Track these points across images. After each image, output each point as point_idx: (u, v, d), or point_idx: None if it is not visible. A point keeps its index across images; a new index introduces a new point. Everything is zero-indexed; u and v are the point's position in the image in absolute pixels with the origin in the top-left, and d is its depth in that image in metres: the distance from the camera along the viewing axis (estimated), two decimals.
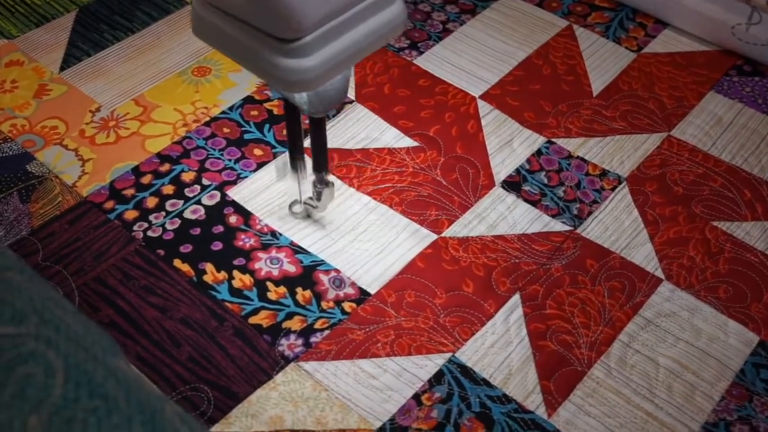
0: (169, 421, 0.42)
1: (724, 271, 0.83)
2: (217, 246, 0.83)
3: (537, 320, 0.78)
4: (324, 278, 0.81)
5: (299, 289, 0.80)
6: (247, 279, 0.81)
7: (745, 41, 1.02)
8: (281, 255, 0.83)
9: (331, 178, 0.82)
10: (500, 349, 0.76)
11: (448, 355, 0.75)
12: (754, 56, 1.03)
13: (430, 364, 0.75)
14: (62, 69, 1.03)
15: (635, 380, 0.74)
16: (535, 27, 1.09)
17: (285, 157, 0.83)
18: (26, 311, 0.45)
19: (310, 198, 0.84)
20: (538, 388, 0.73)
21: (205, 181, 0.89)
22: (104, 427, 0.40)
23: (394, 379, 0.74)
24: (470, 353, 0.76)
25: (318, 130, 0.76)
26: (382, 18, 0.65)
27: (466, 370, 0.74)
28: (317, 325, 0.77)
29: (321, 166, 0.79)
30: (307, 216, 0.86)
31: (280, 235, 0.85)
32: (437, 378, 0.74)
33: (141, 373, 0.73)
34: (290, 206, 0.86)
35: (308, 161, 0.84)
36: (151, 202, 0.87)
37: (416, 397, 0.73)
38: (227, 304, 0.79)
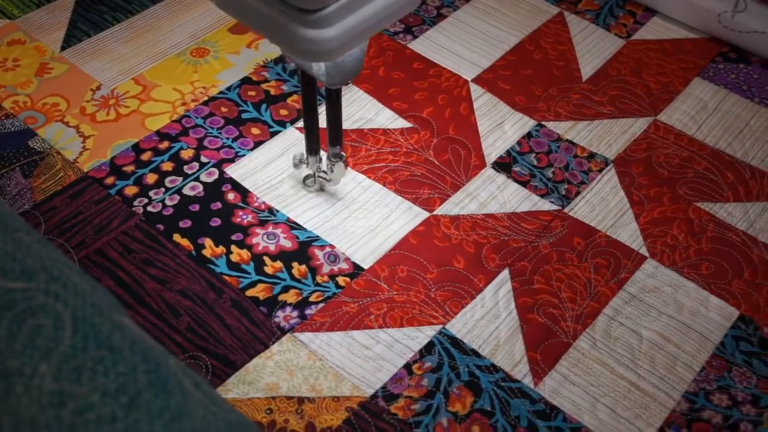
0: (172, 372, 0.44)
1: (707, 249, 0.85)
2: (216, 222, 0.86)
3: (525, 294, 0.81)
4: (319, 253, 0.84)
5: (295, 264, 0.83)
6: (245, 253, 0.83)
7: (730, 29, 1.05)
8: (278, 231, 0.85)
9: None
10: (489, 321, 0.79)
11: (439, 327, 0.78)
12: (740, 43, 1.06)
13: (421, 336, 0.77)
14: (63, 48, 1.05)
15: (619, 351, 0.77)
16: (528, 13, 1.12)
17: (301, 152, 0.86)
18: (36, 268, 0.47)
19: (324, 171, 0.86)
20: (525, 358, 0.76)
21: (203, 159, 0.92)
22: (110, 375, 0.42)
23: (386, 349, 0.76)
24: (460, 326, 0.78)
25: (334, 102, 0.78)
26: None
27: (455, 342, 0.77)
28: (312, 298, 0.80)
29: (336, 140, 0.81)
30: (321, 189, 0.89)
31: (277, 211, 0.87)
32: (428, 349, 0.76)
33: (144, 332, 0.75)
34: (304, 179, 0.89)
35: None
36: (151, 178, 0.90)
37: (407, 366, 0.75)
38: (225, 277, 0.81)
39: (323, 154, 0.86)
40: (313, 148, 0.84)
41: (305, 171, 0.86)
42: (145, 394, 0.42)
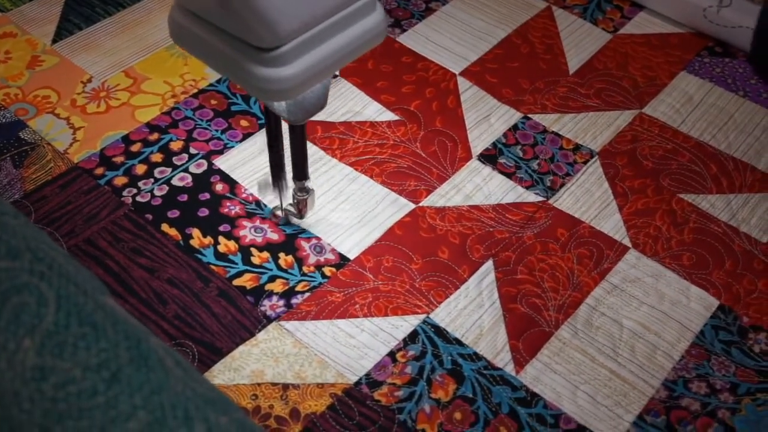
0: (153, 349, 0.45)
1: (689, 240, 0.86)
2: (204, 212, 0.87)
3: (508, 284, 0.82)
4: (305, 245, 0.85)
5: (282, 254, 0.84)
6: (232, 244, 0.84)
7: (716, 23, 1.06)
8: (265, 225, 0.86)
9: (311, 185, 0.81)
10: (472, 311, 0.80)
11: (423, 316, 0.79)
12: (725, 38, 1.07)
13: (405, 325, 0.78)
14: (54, 41, 1.06)
15: (600, 341, 0.78)
16: (515, 7, 1.13)
17: (267, 175, 0.82)
18: (21, 249, 0.48)
19: (290, 205, 0.84)
20: (507, 347, 0.77)
21: (192, 150, 0.93)
22: (92, 351, 0.43)
23: (371, 338, 0.77)
24: (444, 315, 0.79)
25: (298, 138, 0.75)
26: (362, 27, 0.64)
27: (439, 330, 0.78)
28: (298, 288, 0.81)
29: (301, 174, 0.78)
30: (287, 222, 0.86)
31: (265, 205, 0.88)
32: (412, 337, 0.77)
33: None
34: (272, 211, 0.86)
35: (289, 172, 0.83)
36: (140, 169, 0.91)
37: (391, 354, 0.76)
38: (212, 266, 0.82)
39: (290, 185, 0.82)
40: (277, 176, 0.81)
41: (269, 196, 0.83)
42: (126, 370, 0.43)
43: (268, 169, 0.81)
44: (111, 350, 0.43)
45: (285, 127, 0.76)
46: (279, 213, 0.86)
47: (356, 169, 0.92)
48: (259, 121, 0.96)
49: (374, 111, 0.98)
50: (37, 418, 0.41)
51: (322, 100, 0.71)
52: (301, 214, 0.84)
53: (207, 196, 0.88)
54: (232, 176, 0.90)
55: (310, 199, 0.82)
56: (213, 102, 0.98)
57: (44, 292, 0.45)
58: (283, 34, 0.59)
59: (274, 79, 0.61)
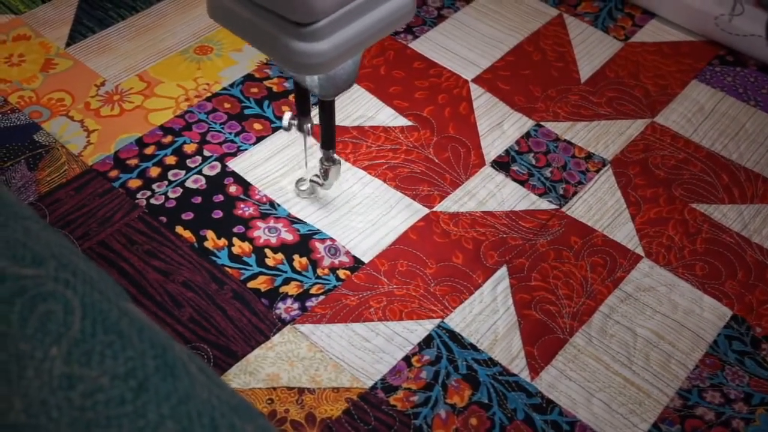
0: (179, 357, 0.46)
1: (701, 250, 0.87)
2: (218, 214, 0.87)
3: (522, 291, 0.82)
4: (320, 246, 0.85)
5: (296, 256, 0.84)
6: (246, 246, 0.84)
7: (727, 32, 1.06)
8: (279, 225, 0.86)
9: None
10: (487, 316, 0.80)
11: (438, 321, 0.79)
12: (737, 47, 1.07)
13: (420, 329, 0.79)
14: (68, 45, 1.06)
15: (614, 348, 0.78)
16: (527, 15, 1.13)
17: (292, 114, 0.84)
18: (45, 255, 0.48)
19: (316, 175, 0.86)
20: (522, 353, 0.77)
21: (206, 153, 0.93)
22: (119, 359, 0.43)
23: (386, 342, 0.77)
24: (458, 320, 0.79)
25: (327, 112, 0.78)
26: (392, 5, 0.67)
27: (454, 335, 0.78)
28: (313, 291, 0.81)
29: (329, 144, 0.82)
30: (312, 193, 0.89)
31: (278, 205, 0.88)
32: (427, 342, 0.78)
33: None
34: (296, 183, 0.89)
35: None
36: (154, 171, 0.91)
37: (406, 359, 0.76)
38: (227, 268, 0.82)
39: (318, 155, 0.85)
40: (301, 110, 0.83)
41: (294, 132, 0.85)
42: (153, 378, 0.43)
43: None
44: (138, 359, 0.44)
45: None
46: (304, 185, 0.88)
47: (370, 173, 0.92)
48: (273, 125, 0.97)
49: (387, 116, 0.98)
50: (64, 426, 0.41)
51: (353, 76, 0.73)
52: (326, 184, 0.86)
53: (221, 198, 0.89)
54: (246, 178, 0.90)
55: (335, 169, 0.84)
56: (226, 105, 0.98)
57: (70, 299, 0.45)
58: (319, 9, 0.62)
59: (310, 53, 0.63)
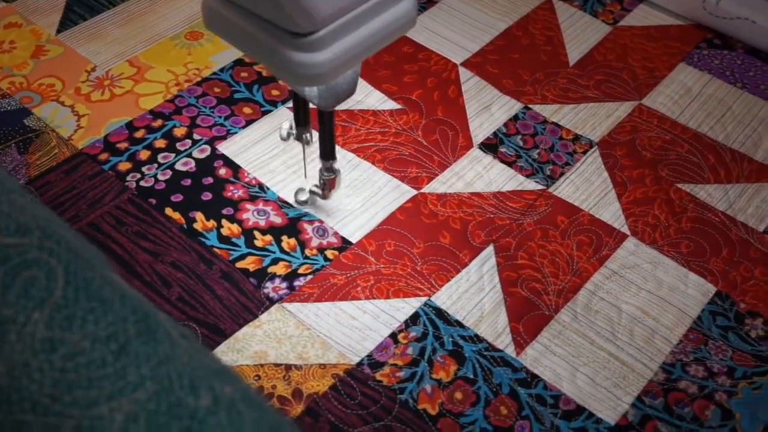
0: (161, 323, 0.46)
1: (687, 228, 0.87)
2: (207, 196, 0.88)
3: (509, 269, 0.83)
4: (308, 227, 0.86)
5: (284, 237, 0.85)
6: (235, 228, 0.85)
7: (715, 15, 1.07)
8: (268, 208, 0.87)
9: (337, 165, 0.82)
10: (473, 294, 0.81)
11: (425, 299, 0.80)
12: (724, 30, 1.08)
13: (406, 307, 0.79)
14: (59, 31, 1.06)
15: (599, 324, 0.79)
16: (517, 0, 1.14)
17: (290, 123, 0.83)
18: (30, 226, 0.49)
19: (316, 185, 0.85)
20: (507, 329, 0.78)
21: (196, 136, 0.94)
22: (101, 324, 0.44)
23: (373, 319, 0.78)
24: (445, 298, 0.80)
25: (327, 123, 0.76)
26: (393, 14, 0.66)
27: (440, 313, 0.79)
28: (301, 270, 0.82)
29: (329, 155, 0.80)
30: (312, 204, 0.87)
31: (268, 188, 0.89)
32: (413, 319, 0.78)
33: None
34: (295, 194, 0.88)
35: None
36: (144, 154, 0.91)
37: (393, 336, 0.77)
38: (216, 249, 0.83)
39: (317, 167, 0.83)
40: (301, 120, 0.82)
41: (293, 142, 0.84)
42: (134, 342, 0.44)
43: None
44: (119, 323, 0.44)
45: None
46: (303, 195, 0.87)
47: (359, 156, 0.93)
48: (262, 108, 0.97)
49: (376, 100, 0.99)
50: (47, 388, 0.42)
51: (353, 86, 0.72)
52: (326, 195, 0.84)
53: (210, 180, 0.89)
54: (235, 161, 0.91)
55: (336, 179, 0.83)
56: (216, 90, 0.99)
57: (53, 267, 0.46)
58: (319, 19, 0.60)
59: (309, 64, 0.62)
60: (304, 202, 0.88)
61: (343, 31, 0.63)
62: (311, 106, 0.81)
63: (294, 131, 0.82)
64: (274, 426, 0.44)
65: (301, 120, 0.80)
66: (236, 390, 0.45)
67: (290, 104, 0.96)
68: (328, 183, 0.83)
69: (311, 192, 0.86)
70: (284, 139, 0.83)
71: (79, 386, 0.42)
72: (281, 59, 0.62)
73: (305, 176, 0.88)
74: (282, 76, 0.66)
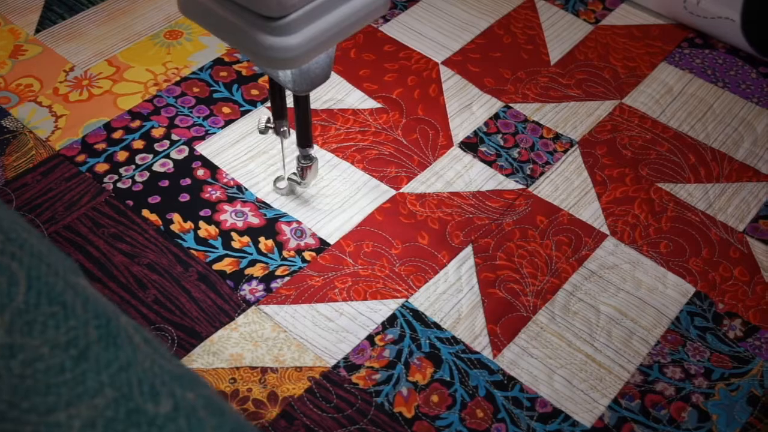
0: (123, 328, 0.46)
1: (666, 228, 0.87)
2: (185, 197, 0.87)
3: (487, 270, 0.82)
4: (286, 229, 0.85)
5: (262, 239, 0.84)
6: (213, 229, 0.85)
7: (696, 15, 1.06)
8: (246, 209, 0.87)
9: (314, 152, 0.83)
10: (451, 295, 0.80)
11: (402, 300, 0.80)
12: (705, 29, 1.08)
13: (384, 309, 0.79)
14: (37, 31, 1.06)
15: (577, 326, 0.79)
16: None
17: (268, 116, 0.83)
18: None
19: (294, 173, 0.86)
20: (485, 331, 0.78)
21: (174, 137, 0.93)
22: (62, 329, 0.43)
23: (350, 321, 0.78)
24: (422, 299, 0.80)
25: (302, 108, 0.77)
26: None
27: (417, 315, 0.79)
28: (278, 272, 0.81)
29: (305, 142, 0.80)
30: (291, 192, 0.88)
31: (246, 190, 0.88)
32: (390, 321, 0.78)
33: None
34: (274, 182, 0.88)
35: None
36: (122, 155, 0.91)
37: (370, 338, 0.77)
38: (192, 251, 0.82)
39: (295, 154, 0.84)
40: (278, 114, 0.82)
41: (272, 140, 0.84)
42: (94, 347, 0.44)
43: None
44: (80, 328, 0.44)
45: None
46: (282, 183, 0.87)
47: (338, 156, 0.92)
48: (241, 108, 0.97)
49: (356, 99, 0.98)
50: (4, 394, 0.41)
51: (327, 70, 0.72)
52: (304, 181, 0.85)
53: (188, 181, 0.89)
54: (213, 162, 0.91)
55: (313, 167, 0.83)
56: (195, 89, 0.98)
57: (15, 272, 0.46)
58: (290, 3, 0.61)
59: (281, 47, 0.62)
60: (282, 190, 0.88)
61: (315, 15, 0.63)
62: (288, 99, 0.81)
63: (272, 124, 0.82)
64: None
65: (278, 112, 0.80)
66: (199, 396, 0.45)
67: (269, 104, 0.96)
68: (305, 170, 0.83)
69: (290, 179, 0.86)
70: (262, 132, 0.83)
71: (38, 392, 0.41)
72: (253, 43, 0.63)
73: (284, 168, 0.88)
74: (254, 60, 0.67)
